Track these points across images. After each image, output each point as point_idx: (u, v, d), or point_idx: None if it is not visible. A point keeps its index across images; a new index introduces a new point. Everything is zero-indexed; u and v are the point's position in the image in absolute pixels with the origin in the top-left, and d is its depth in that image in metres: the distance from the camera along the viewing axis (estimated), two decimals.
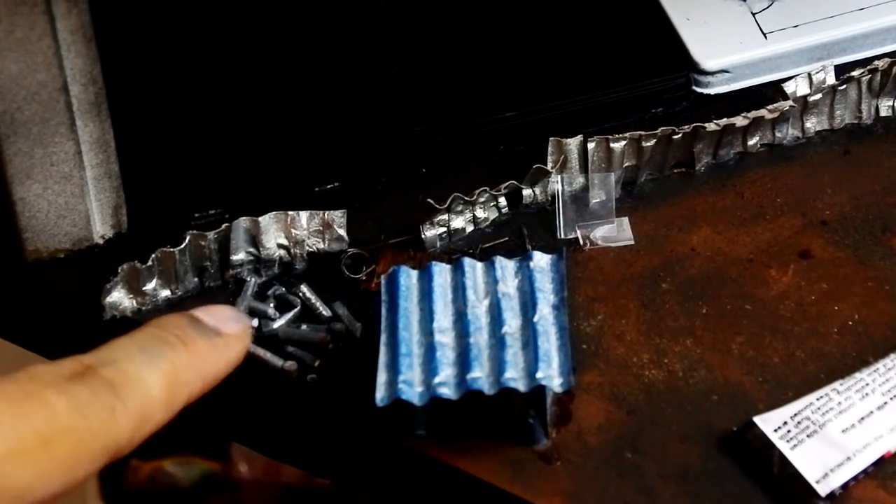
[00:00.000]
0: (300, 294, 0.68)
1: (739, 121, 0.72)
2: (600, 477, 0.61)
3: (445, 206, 0.69)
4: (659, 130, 0.72)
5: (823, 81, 0.75)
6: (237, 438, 0.70)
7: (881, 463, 0.60)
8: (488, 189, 0.70)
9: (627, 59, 0.77)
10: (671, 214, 0.72)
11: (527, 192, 0.72)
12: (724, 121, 0.72)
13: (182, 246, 0.67)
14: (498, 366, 0.60)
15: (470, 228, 0.71)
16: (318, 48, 0.77)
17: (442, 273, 0.64)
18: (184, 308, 0.67)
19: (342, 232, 0.69)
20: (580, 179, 0.72)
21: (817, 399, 0.62)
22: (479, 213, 0.71)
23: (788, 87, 0.75)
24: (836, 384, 0.63)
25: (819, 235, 0.71)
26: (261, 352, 0.65)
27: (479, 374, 0.59)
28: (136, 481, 1.24)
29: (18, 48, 0.62)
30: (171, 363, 0.52)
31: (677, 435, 0.62)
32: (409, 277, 0.64)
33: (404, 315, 0.62)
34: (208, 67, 0.75)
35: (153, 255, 0.66)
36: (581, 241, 0.70)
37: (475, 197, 0.70)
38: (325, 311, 0.67)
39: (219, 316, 0.56)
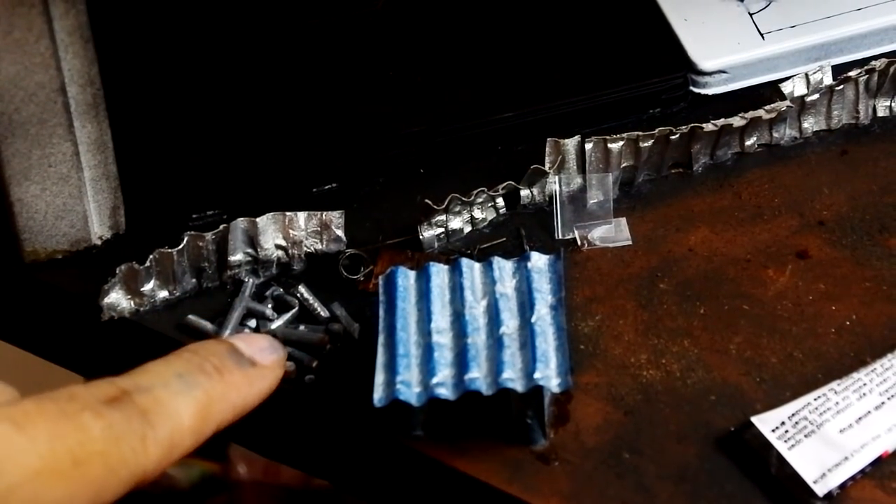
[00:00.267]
0: (298, 295, 0.68)
1: (737, 121, 0.72)
2: (598, 477, 0.61)
3: (443, 206, 0.69)
4: (656, 131, 0.72)
5: (821, 82, 0.75)
6: (236, 439, 0.70)
7: (879, 463, 0.60)
8: (486, 190, 0.70)
9: (625, 59, 0.77)
10: (669, 215, 0.72)
11: (524, 192, 0.72)
12: (721, 121, 0.72)
13: (180, 247, 0.67)
14: (496, 366, 0.60)
15: (468, 229, 0.71)
16: (316, 49, 0.77)
17: (440, 273, 0.64)
18: (181, 308, 0.68)
19: (340, 232, 0.69)
20: (578, 180, 0.72)
21: (815, 399, 0.62)
22: (477, 214, 0.71)
23: (786, 88, 0.75)
24: (833, 384, 0.63)
25: (816, 236, 0.71)
26: None
27: (477, 375, 0.59)
28: None
29: (16, 49, 0.62)
30: (206, 393, 0.53)
31: (675, 435, 0.62)
32: (406, 278, 0.64)
33: (402, 315, 0.62)
34: (206, 68, 0.75)
35: (151, 256, 0.66)
36: (579, 242, 0.70)
37: (473, 197, 0.70)
38: (323, 312, 0.67)
39: (255, 346, 0.57)
